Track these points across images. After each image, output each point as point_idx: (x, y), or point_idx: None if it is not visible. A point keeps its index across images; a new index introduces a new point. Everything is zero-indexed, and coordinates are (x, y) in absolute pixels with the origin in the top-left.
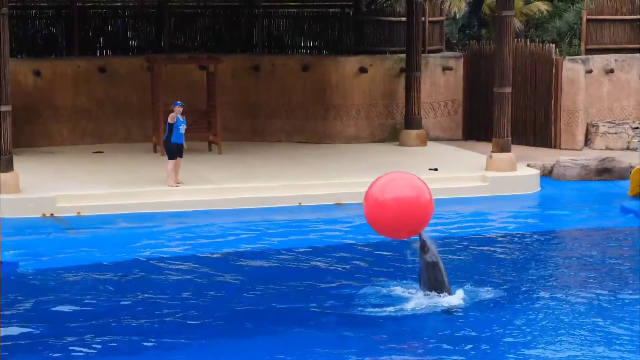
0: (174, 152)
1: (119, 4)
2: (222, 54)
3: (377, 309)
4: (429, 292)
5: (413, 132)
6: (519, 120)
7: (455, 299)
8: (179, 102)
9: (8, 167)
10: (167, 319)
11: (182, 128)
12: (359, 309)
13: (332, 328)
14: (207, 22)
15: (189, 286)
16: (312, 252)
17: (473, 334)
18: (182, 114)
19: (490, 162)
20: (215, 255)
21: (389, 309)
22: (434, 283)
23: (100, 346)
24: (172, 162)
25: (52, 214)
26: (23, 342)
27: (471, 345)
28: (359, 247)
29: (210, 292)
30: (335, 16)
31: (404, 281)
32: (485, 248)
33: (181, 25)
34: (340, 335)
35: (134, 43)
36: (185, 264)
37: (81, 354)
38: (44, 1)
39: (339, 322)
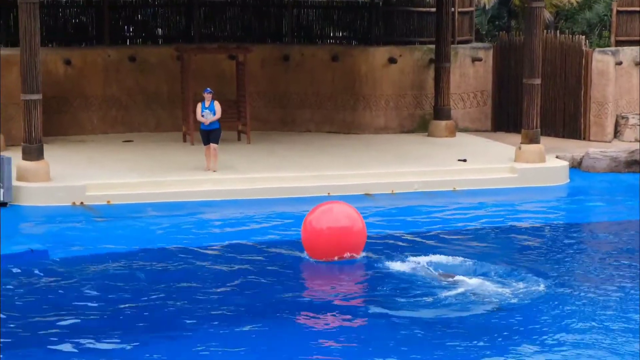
0: (203, 138)
1: None
2: (252, 44)
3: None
4: None
5: (442, 123)
6: (548, 112)
7: None
8: (208, 88)
9: (39, 155)
10: (199, 307)
11: (206, 113)
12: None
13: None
14: (237, 12)
15: (220, 275)
16: None
17: (503, 322)
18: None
19: (519, 153)
20: (243, 243)
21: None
22: None
23: (127, 335)
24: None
25: (82, 203)
26: (52, 331)
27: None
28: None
29: (240, 281)
30: (364, 6)
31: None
32: (513, 239)
33: (211, 14)
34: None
35: (163, 32)
36: (214, 252)
37: (110, 343)
38: None
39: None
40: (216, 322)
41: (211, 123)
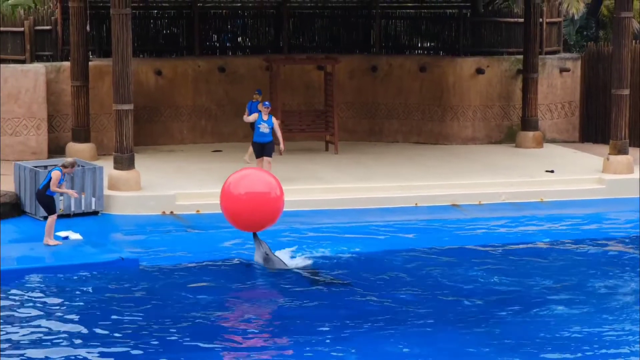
0: (257, 151)
1: (239, 5)
2: (340, 55)
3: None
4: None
5: (529, 134)
6: (637, 123)
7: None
8: (267, 102)
9: (130, 165)
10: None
11: (262, 127)
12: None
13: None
14: (325, 23)
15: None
16: (441, 252)
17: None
18: (299, 113)
19: (607, 164)
20: (325, 254)
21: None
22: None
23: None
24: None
25: (172, 212)
26: (140, 337)
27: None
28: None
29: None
30: (452, 17)
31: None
32: (601, 250)
33: (300, 25)
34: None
35: (252, 42)
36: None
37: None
38: (165, 1)
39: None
40: None
41: (266, 136)
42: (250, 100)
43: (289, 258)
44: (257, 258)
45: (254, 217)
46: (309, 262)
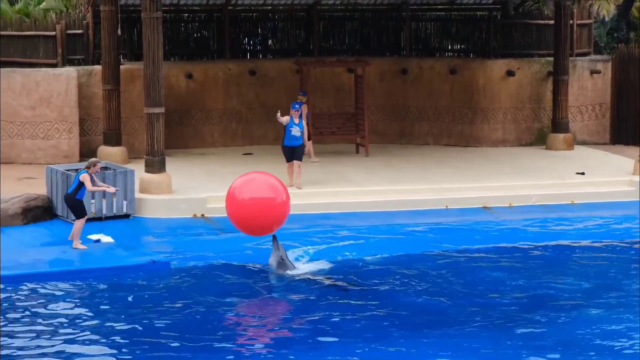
0: (287, 154)
1: (270, 8)
2: (370, 57)
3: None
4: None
5: (560, 136)
6: None
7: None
8: (296, 105)
9: (161, 168)
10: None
11: (294, 130)
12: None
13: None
14: (356, 26)
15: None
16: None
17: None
18: (329, 116)
19: (638, 166)
20: (355, 256)
21: None
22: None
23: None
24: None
25: (203, 215)
26: (170, 339)
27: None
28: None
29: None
30: (482, 19)
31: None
32: (632, 252)
33: (330, 28)
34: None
35: (282, 45)
36: (344, 267)
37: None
38: (196, 5)
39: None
40: None
41: (296, 140)
42: (294, 101)
43: (304, 263)
44: (272, 261)
45: (259, 222)
46: (325, 266)
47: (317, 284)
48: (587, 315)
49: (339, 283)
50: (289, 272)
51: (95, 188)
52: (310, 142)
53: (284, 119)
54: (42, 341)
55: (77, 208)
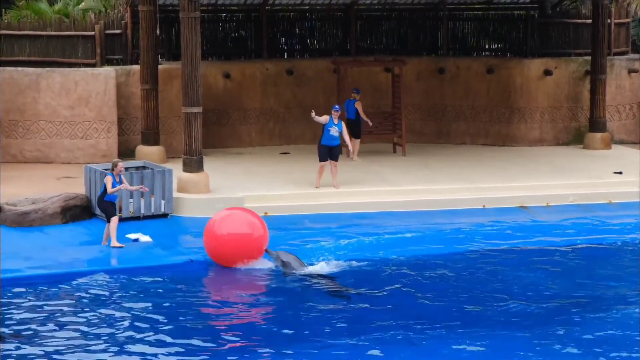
0: (324, 154)
1: (307, 7)
2: (407, 57)
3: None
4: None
5: (597, 135)
6: None
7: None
8: (336, 106)
9: (199, 167)
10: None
11: (333, 130)
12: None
13: None
14: (393, 25)
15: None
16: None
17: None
18: (367, 116)
19: None
20: (401, 259)
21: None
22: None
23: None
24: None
25: None
26: (207, 336)
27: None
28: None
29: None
30: (520, 18)
31: None
32: None
33: (367, 28)
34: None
35: (320, 45)
36: (381, 266)
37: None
38: (234, 5)
39: None
40: None
41: (335, 140)
42: (347, 98)
43: (322, 264)
44: (279, 266)
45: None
46: (341, 267)
47: (324, 285)
48: (629, 316)
49: (344, 289)
50: (297, 272)
51: (115, 189)
52: (358, 141)
53: (322, 119)
54: (79, 340)
55: (105, 210)
